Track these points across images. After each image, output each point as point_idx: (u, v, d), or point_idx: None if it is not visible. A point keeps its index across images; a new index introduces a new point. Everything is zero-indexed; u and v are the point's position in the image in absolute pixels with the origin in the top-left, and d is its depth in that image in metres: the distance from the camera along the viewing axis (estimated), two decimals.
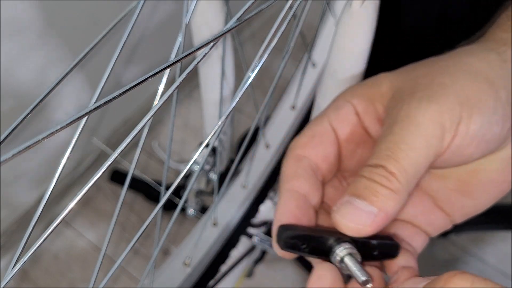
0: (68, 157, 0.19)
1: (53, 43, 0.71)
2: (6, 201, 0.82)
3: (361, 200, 0.23)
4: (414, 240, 0.28)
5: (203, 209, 0.75)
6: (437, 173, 0.27)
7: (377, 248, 0.24)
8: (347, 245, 0.23)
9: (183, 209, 0.76)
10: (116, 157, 0.17)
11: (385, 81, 0.27)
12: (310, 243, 0.24)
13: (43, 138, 0.14)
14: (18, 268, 0.16)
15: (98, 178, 0.17)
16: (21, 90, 0.70)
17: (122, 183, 0.98)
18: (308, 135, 0.28)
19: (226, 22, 0.38)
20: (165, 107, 0.19)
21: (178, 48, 0.22)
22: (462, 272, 0.20)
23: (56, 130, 0.15)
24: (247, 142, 0.39)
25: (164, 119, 1.06)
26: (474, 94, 0.24)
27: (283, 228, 0.24)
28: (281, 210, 0.26)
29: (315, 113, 0.39)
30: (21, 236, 1.01)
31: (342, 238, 0.23)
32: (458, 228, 0.76)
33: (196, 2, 0.23)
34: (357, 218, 0.23)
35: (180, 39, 0.22)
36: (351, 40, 0.32)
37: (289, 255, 0.25)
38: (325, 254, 0.23)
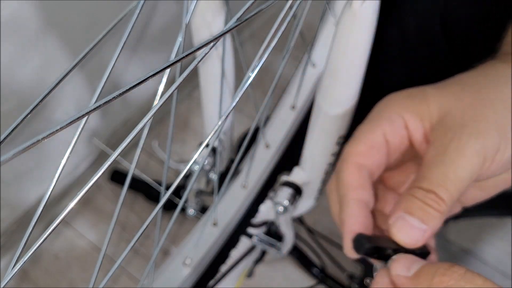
0: (68, 157, 0.19)
1: (53, 43, 0.71)
2: (6, 201, 0.82)
3: (415, 218, 0.28)
4: None
5: (203, 209, 0.75)
6: None
7: (419, 256, 0.29)
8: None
9: (183, 209, 0.76)
10: (116, 157, 0.17)
11: (434, 100, 0.31)
12: (379, 252, 0.30)
13: (43, 138, 0.14)
14: (18, 268, 0.16)
15: (98, 178, 0.17)
16: (20, 90, 0.70)
17: (122, 183, 0.98)
18: (366, 144, 0.32)
19: (226, 22, 0.38)
20: (165, 107, 0.19)
21: (178, 48, 0.22)
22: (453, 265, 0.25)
23: (56, 130, 0.15)
24: (247, 142, 0.39)
25: (164, 119, 1.06)
26: (510, 125, 0.29)
27: (362, 237, 0.30)
28: (354, 220, 0.31)
29: (315, 113, 0.39)
30: (21, 236, 1.01)
31: (399, 248, 0.29)
32: (456, 216, 0.77)
33: (196, 2, 0.23)
34: (411, 233, 0.28)
35: (180, 39, 0.22)
36: (351, 40, 0.32)
37: (355, 255, 0.31)
38: (385, 259, 0.29)
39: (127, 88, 0.16)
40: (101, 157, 0.99)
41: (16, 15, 0.63)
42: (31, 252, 0.17)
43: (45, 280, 0.90)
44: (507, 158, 0.29)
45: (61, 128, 0.15)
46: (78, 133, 0.20)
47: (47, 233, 0.17)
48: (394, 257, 0.29)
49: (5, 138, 0.15)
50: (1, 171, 0.74)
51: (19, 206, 0.87)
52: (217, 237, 0.45)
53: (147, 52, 0.93)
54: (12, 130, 0.15)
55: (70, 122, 0.15)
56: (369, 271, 0.92)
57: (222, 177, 0.51)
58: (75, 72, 0.77)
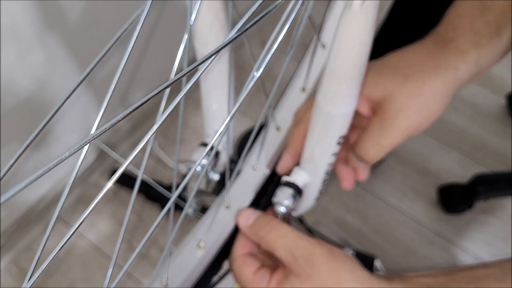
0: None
1: (53, 44, 0.71)
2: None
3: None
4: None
5: (203, 209, 0.75)
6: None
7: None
8: None
9: (181, 208, 0.76)
10: (127, 166, 0.17)
11: (377, 86, 0.40)
12: None
13: (43, 172, 0.14)
14: (33, 280, 0.16)
15: (108, 187, 0.17)
16: (21, 91, 0.70)
17: (121, 182, 0.98)
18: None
19: (228, 21, 0.38)
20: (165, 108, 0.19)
21: (182, 54, 0.22)
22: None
23: (60, 161, 0.15)
24: (250, 143, 0.39)
25: (164, 120, 1.06)
26: (434, 110, 0.39)
27: None
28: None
29: (315, 113, 0.39)
30: (21, 236, 1.01)
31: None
32: (487, 195, 0.83)
33: (200, 2, 0.23)
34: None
35: (183, 43, 0.22)
36: (351, 40, 0.32)
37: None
38: None
39: (130, 110, 0.16)
40: (101, 156, 0.99)
41: (15, 16, 0.63)
42: (45, 265, 0.17)
43: (45, 280, 0.91)
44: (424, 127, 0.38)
45: (65, 158, 0.15)
46: (80, 160, 0.20)
47: (61, 245, 0.17)
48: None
49: (5, 174, 0.15)
50: (1, 171, 0.74)
51: (19, 206, 0.87)
52: (230, 219, 0.46)
53: (154, 55, 0.93)
54: (20, 155, 0.15)
55: (73, 152, 0.15)
56: (368, 270, 0.92)
57: (222, 177, 0.51)
58: (81, 89, 0.77)
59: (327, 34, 0.52)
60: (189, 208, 0.75)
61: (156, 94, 0.16)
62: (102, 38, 0.76)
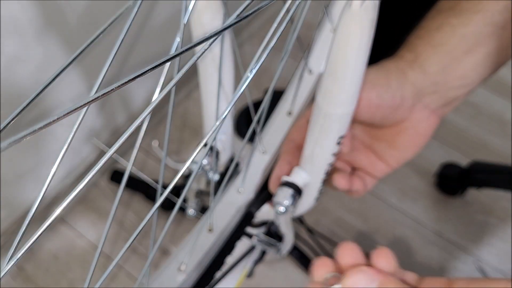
0: (68, 149, 0.19)
1: (52, 43, 0.71)
2: (6, 201, 0.82)
3: None
4: (365, 180, 0.46)
5: (203, 209, 0.75)
6: (375, 135, 0.44)
7: None
8: None
9: (183, 209, 0.76)
10: (114, 152, 0.17)
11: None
12: None
13: (39, 128, 0.14)
14: (12, 264, 0.16)
15: (95, 173, 0.17)
16: (20, 90, 0.70)
17: (120, 182, 0.98)
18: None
19: (224, 22, 0.38)
20: (164, 106, 0.18)
21: (177, 44, 0.22)
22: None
23: (54, 120, 0.14)
24: (244, 142, 0.39)
25: (163, 120, 1.06)
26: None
27: None
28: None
29: (315, 113, 0.39)
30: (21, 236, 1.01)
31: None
32: (480, 182, 0.81)
33: (195, 2, 0.23)
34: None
35: (178, 39, 0.22)
36: (351, 41, 0.32)
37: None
38: None
39: (127, 80, 0.16)
40: (101, 156, 0.99)
41: (15, 14, 0.63)
42: (26, 248, 0.17)
43: (45, 280, 0.90)
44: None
45: (59, 119, 0.14)
46: (78, 121, 0.20)
47: (42, 228, 0.17)
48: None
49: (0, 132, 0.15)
50: (1, 171, 0.74)
51: (19, 206, 0.87)
52: (213, 243, 0.45)
53: (144, 51, 0.93)
54: (8, 123, 0.15)
55: (70, 112, 0.15)
56: None
57: (223, 177, 0.51)
58: (73, 70, 0.77)
59: (314, 60, 0.52)
60: (189, 208, 0.75)
61: (154, 67, 0.16)
62: (102, 38, 0.76)
